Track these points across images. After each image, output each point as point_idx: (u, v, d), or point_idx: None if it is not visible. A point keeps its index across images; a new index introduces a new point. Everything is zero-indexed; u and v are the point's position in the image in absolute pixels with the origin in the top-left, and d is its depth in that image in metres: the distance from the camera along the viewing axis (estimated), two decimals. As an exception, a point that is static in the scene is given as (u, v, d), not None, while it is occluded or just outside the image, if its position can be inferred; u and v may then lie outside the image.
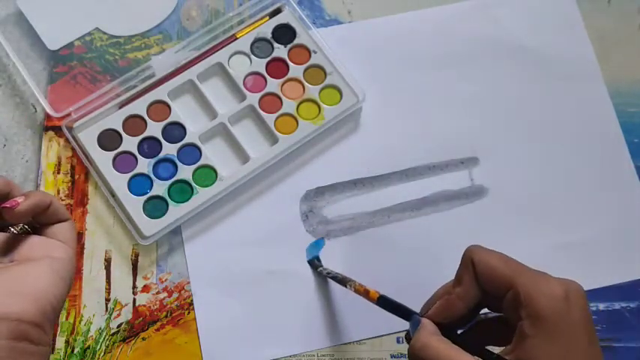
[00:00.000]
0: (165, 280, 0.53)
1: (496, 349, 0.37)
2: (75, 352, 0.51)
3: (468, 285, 0.38)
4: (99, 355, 0.51)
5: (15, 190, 0.40)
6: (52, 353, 0.51)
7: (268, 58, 0.57)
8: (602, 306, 0.54)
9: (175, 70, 0.56)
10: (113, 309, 0.52)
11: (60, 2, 0.59)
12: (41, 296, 0.37)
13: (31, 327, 0.36)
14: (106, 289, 0.53)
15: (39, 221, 0.41)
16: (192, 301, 0.53)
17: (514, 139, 0.57)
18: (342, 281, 0.48)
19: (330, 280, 0.52)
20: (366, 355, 0.52)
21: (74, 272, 0.41)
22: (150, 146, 0.55)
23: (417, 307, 0.41)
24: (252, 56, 0.57)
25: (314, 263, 0.52)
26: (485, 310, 0.40)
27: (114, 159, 0.54)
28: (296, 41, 0.58)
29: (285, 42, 0.58)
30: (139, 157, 0.54)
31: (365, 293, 0.44)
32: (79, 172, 0.55)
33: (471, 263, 0.38)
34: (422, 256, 0.54)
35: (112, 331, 0.52)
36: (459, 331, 0.41)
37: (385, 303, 0.42)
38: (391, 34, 0.60)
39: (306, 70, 0.57)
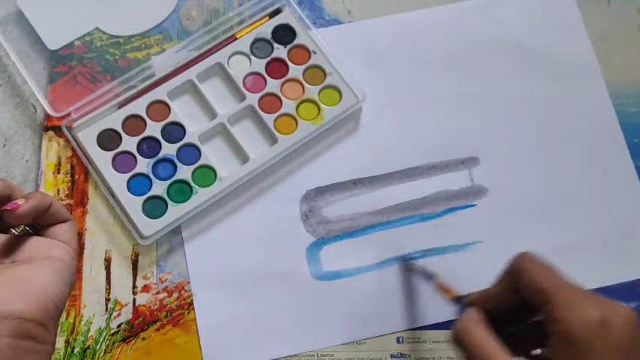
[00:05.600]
0: (166, 280, 0.53)
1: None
2: (75, 352, 0.51)
3: (501, 289, 0.41)
4: (99, 355, 0.51)
5: (16, 192, 0.40)
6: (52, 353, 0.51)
7: (268, 59, 0.57)
8: (602, 306, 0.54)
9: (175, 70, 0.56)
10: (113, 309, 0.52)
11: (60, 2, 0.59)
12: (43, 295, 0.37)
13: (34, 325, 0.36)
14: (106, 289, 0.53)
15: (40, 222, 0.41)
16: (192, 301, 0.53)
17: (514, 139, 0.57)
18: (429, 276, 0.51)
19: (329, 280, 0.53)
20: (366, 355, 0.52)
21: (75, 272, 0.41)
22: (149, 146, 0.55)
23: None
24: (252, 56, 0.57)
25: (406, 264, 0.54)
26: None
27: (113, 159, 0.54)
28: (296, 41, 0.58)
29: (285, 42, 0.58)
30: (138, 157, 0.54)
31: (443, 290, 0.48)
32: (79, 172, 0.55)
33: (515, 272, 0.39)
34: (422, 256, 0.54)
35: (112, 331, 0.52)
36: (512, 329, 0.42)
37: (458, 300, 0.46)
38: (391, 34, 0.60)
39: (305, 70, 0.57)
